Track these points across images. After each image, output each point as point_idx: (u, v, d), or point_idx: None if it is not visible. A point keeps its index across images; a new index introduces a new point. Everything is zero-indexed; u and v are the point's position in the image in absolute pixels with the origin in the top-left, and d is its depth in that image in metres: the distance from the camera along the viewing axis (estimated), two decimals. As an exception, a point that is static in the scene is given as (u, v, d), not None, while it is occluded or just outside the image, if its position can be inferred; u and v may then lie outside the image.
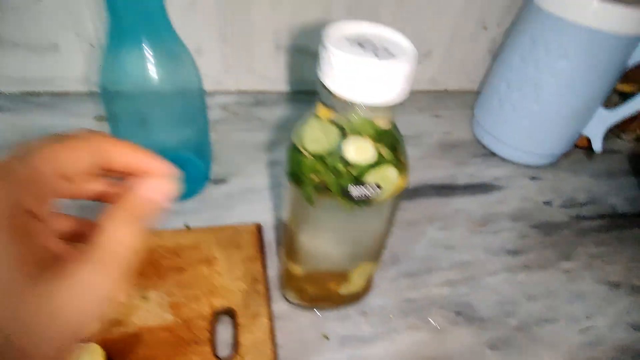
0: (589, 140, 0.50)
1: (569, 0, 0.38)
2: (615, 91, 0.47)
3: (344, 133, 0.21)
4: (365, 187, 0.22)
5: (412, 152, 0.52)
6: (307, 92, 0.57)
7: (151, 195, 0.16)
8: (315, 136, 0.22)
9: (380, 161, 0.22)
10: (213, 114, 0.50)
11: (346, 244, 0.27)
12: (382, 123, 0.21)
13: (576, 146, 0.53)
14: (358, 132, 0.21)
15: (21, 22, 0.43)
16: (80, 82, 0.49)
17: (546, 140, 0.46)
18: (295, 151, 0.23)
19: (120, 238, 0.15)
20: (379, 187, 0.22)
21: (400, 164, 0.23)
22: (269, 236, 0.37)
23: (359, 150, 0.21)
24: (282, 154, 0.45)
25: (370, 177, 0.22)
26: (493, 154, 0.51)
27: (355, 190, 0.22)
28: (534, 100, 0.43)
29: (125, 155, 0.16)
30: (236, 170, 0.43)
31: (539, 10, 0.41)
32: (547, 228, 0.43)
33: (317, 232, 0.26)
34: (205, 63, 0.51)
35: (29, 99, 0.47)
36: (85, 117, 0.47)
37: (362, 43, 0.20)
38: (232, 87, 0.54)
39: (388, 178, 0.22)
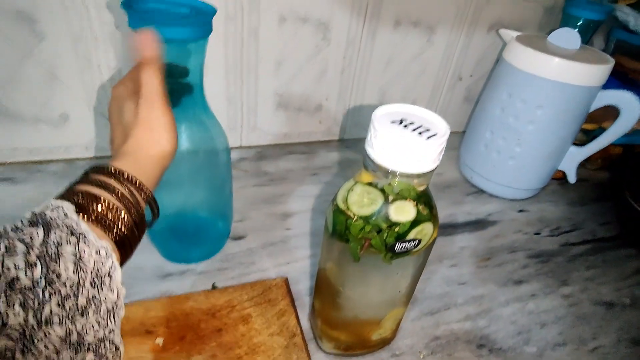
0: (562, 173, 0.56)
1: (536, 59, 0.44)
2: (581, 130, 0.54)
3: (386, 196, 0.24)
4: (408, 242, 0.25)
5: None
6: (303, 144, 0.60)
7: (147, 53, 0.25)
8: (361, 200, 0.25)
9: (419, 219, 0.25)
10: (221, 171, 0.52)
11: (384, 293, 0.29)
12: (420, 186, 0.25)
13: (552, 178, 0.59)
14: (401, 196, 0.24)
15: (34, 95, 0.44)
16: (89, 149, 0.50)
17: (529, 177, 0.52)
18: (341, 214, 0.26)
19: (147, 77, 0.25)
20: (419, 240, 0.25)
21: (434, 218, 0.26)
22: (294, 288, 0.38)
23: (402, 211, 0.24)
24: (291, 206, 0.48)
25: (412, 234, 0.25)
26: (482, 191, 0.56)
27: (399, 246, 0.25)
28: (516, 144, 0.49)
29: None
30: (253, 225, 0.45)
31: (512, 67, 0.47)
32: (542, 257, 0.47)
33: (359, 284, 0.28)
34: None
35: (39, 168, 0.48)
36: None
37: (404, 121, 0.23)
38: (236, 143, 0.57)
39: (426, 233, 0.25)
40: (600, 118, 0.56)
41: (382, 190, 0.25)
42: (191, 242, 0.40)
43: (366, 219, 0.25)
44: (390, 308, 0.31)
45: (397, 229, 0.25)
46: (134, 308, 0.33)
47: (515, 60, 0.47)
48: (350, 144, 0.62)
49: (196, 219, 0.40)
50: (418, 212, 0.25)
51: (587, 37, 0.57)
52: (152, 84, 0.25)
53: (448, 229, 0.49)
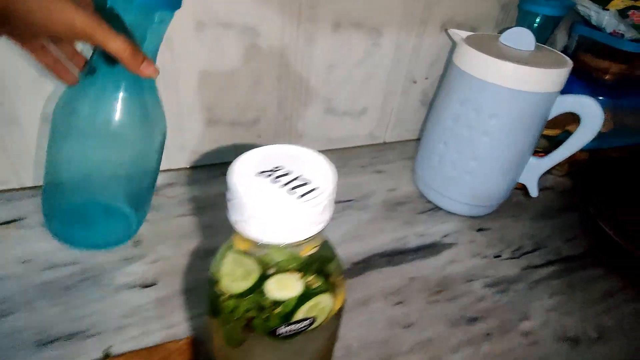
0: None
1: (486, 64, 0.39)
2: (543, 136, 0.49)
3: (264, 268, 0.19)
4: (297, 323, 0.19)
5: (359, 216, 0.51)
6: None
7: None
8: (234, 273, 0.19)
9: (309, 293, 0.19)
10: (140, 200, 0.46)
11: (288, 371, 0.24)
12: (308, 250, 0.19)
13: (515, 188, 0.54)
14: (280, 269, 0.18)
15: None
16: (-22, 184, 0.43)
17: (487, 193, 0.46)
18: (213, 288, 0.20)
19: None
20: (312, 319, 0.20)
21: (333, 285, 0.20)
22: (207, 347, 0.32)
23: (284, 287, 0.19)
24: (217, 240, 0.42)
25: (301, 313, 0.19)
26: (438, 208, 0.50)
27: (285, 329, 0.19)
28: (472, 157, 0.43)
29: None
30: (167, 268, 0.38)
31: (462, 72, 0.42)
32: (501, 284, 0.42)
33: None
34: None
35: None
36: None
37: (275, 172, 0.17)
38: (162, 166, 0.50)
39: (322, 307, 0.20)
40: (563, 122, 0.51)
41: (260, 260, 0.19)
42: (97, 227, 0.38)
43: (239, 296, 0.19)
44: (304, 382, 0.25)
45: (279, 310, 0.19)
46: (-8, 395, 0.27)
47: (465, 64, 0.41)
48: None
49: (111, 201, 0.38)
50: (306, 285, 0.19)
51: (547, 35, 0.52)
52: None
53: (396, 256, 0.43)
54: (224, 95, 0.48)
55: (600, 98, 0.50)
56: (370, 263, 0.42)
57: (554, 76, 0.39)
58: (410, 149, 0.61)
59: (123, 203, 0.39)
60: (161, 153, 0.37)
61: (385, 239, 0.45)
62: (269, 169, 0.18)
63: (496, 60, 0.39)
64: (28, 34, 0.28)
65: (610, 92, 0.53)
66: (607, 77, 0.53)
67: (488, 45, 0.42)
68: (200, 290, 0.37)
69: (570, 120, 0.49)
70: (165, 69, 0.43)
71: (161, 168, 0.50)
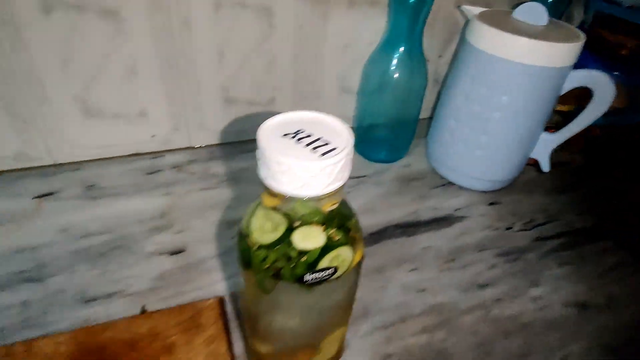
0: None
1: (499, 39, 0.40)
2: (556, 112, 0.50)
3: (290, 221, 0.21)
4: (321, 272, 0.21)
5: (374, 191, 0.53)
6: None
7: None
8: (264, 226, 0.21)
9: (331, 245, 0.21)
10: (166, 175, 0.48)
11: (310, 321, 0.26)
12: (329, 206, 0.21)
13: (528, 164, 0.54)
14: (305, 221, 0.20)
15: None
16: (16, 160, 0.46)
17: (499, 168, 0.47)
18: (244, 241, 0.22)
19: None
20: (335, 268, 0.21)
21: (353, 239, 0.22)
22: (233, 307, 0.35)
23: (308, 238, 0.20)
24: (240, 211, 0.44)
25: (324, 262, 0.21)
26: (451, 183, 0.52)
27: (309, 277, 0.21)
28: (483, 132, 0.44)
29: None
30: (194, 236, 0.41)
31: (474, 49, 0.42)
32: (512, 254, 0.43)
33: (278, 314, 0.25)
34: (151, 123, 0.49)
35: (-42, 184, 0.44)
36: (24, 196, 0.44)
37: (298, 134, 0.19)
38: (182, 144, 0.52)
39: (343, 259, 0.22)
40: (577, 97, 0.51)
41: (286, 215, 0.21)
42: (381, 150, 0.54)
43: (269, 247, 0.21)
44: (324, 333, 0.28)
45: (305, 258, 0.21)
46: (43, 343, 0.30)
47: (477, 40, 0.42)
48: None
49: (390, 134, 0.54)
50: (328, 237, 0.21)
51: (562, 10, 0.52)
52: None
53: (410, 228, 0.45)
54: (240, 74, 0.50)
55: (615, 74, 0.50)
56: (385, 234, 0.44)
57: (567, 50, 0.39)
58: (422, 128, 0.62)
59: (397, 136, 0.54)
60: (422, 100, 0.51)
61: (399, 212, 0.47)
62: (292, 132, 0.20)
63: (508, 34, 0.39)
64: None
65: (625, 67, 0.53)
66: (623, 52, 0.53)
67: (500, 20, 0.42)
68: (226, 256, 0.39)
69: (584, 97, 0.50)
70: (184, 49, 0.45)
71: (182, 146, 0.53)
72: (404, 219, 0.46)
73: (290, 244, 0.21)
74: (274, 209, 0.21)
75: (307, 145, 0.19)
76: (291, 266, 0.21)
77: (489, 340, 0.35)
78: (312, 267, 0.21)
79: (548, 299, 0.39)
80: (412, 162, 0.55)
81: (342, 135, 0.20)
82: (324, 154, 0.18)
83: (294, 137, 0.19)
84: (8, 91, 0.41)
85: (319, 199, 0.19)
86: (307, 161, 0.17)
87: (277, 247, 0.21)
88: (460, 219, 0.47)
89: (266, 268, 0.21)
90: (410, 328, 0.35)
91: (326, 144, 0.19)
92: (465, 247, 0.44)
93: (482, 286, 0.40)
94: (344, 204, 0.22)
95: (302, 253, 0.21)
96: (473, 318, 0.37)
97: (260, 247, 0.21)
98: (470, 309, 0.37)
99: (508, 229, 0.46)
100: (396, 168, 0.54)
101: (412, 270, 0.40)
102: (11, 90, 0.41)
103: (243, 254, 0.22)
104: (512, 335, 0.36)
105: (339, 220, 0.22)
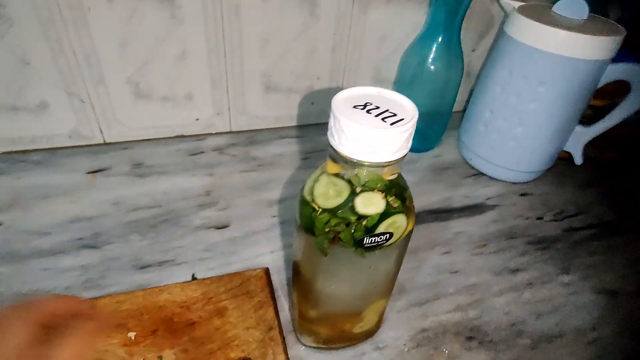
0: (569, 153, 0.53)
1: (539, 31, 0.41)
2: (589, 106, 0.50)
3: (353, 188, 0.22)
4: (378, 236, 0.23)
5: (407, 178, 0.54)
6: (296, 127, 0.58)
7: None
8: (327, 192, 0.23)
9: (389, 211, 0.23)
10: (209, 157, 0.51)
11: (360, 286, 0.28)
12: (389, 175, 0.23)
13: (558, 158, 0.55)
14: (367, 187, 0.22)
15: (9, 84, 0.43)
16: (71, 138, 0.49)
17: (531, 159, 0.48)
18: (307, 206, 0.24)
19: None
20: (390, 234, 0.23)
21: (407, 209, 0.24)
22: (277, 278, 0.37)
23: (370, 204, 0.22)
24: (278, 193, 0.46)
25: (382, 227, 0.23)
26: (482, 174, 0.53)
27: (367, 240, 0.23)
28: (518, 124, 0.45)
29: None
30: (238, 213, 0.43)
31: (513, 41, 0.43)
32: (542, 243, 0.44)
33: (331, 278, 0.27)
34: (196, 107, 0.52)
35: (21, 157, 0.47)
36: (78, 172, 0.47)
37: (367, 105, 0.21)
38: (224, 129, 0.55)
39: (398, 226, 0.23)
40: (611, 93, 0.51)
41: (349, 182, 0.23)
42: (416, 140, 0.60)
43: (332, 212, 0.23)
44: (369, 301, 0.29)
45: (365, 223, 0.23)
46: (106, 300, 0.32)
47: (516, 33, 0.43)
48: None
49: (425, 123, 0.51)
50: (387, 203, 0.23)
51: (600, 6, 0.52)
52: None
53: (443, 214, 0.46)
54: (281, 63, 0.52)
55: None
56: (419, 219, 0.45)
57: (606, 43, 0.40)
58: (454, 119, 0.63)
59: (429, 127, 0.55)
60: (457, 92, 0.52)
61: (432, 198, 0.48)
62: (361, 104, 0.22)
63: (548, 27, 0.40)
64: None
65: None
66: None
67: (540, 14, 0.43)
68: (268, 232, 0.42)
69: (618, 93, 0.50)
70: (232, 36, 0.47)
71: (224, 130, 0.55)
72: (436, 206, 0.47)
73: (352, 208, 0.22)
74: (337, 175, 0.23)
75: (377, 115, 0.20)
76: (351, 230, 0.23)
77: (521, 321, 0.36)
78: (370, 231, 0.23)
79: (579, 285, 0.40)
80: (442, 152, 0.56)
81: (406, 108, 0.21)
82: (392, 123, 0.20)
83: (363, 108, 0.21)
84: (69, 70, 0.44)
85: (384, 165, 0.21)
86: (381, 129, 0.19)
87: (340, 211, 0.23)
88: (491, 207, 0.48)
89: (327, 231, 0.23)
90: (445, 306, 0.37)
91: (394, 114, 0.21)
92: (496, 233, 0.45)
93: (514, 271, 0.41)
94: (400, 176, 0.24)
95: (361, 218, 0.23)
96: (505, 299, 0.38)
97: (324, 211, 0.23)
98: (502, 291, 0.39)
99: (539, 218, 0.47)
100: (428, 158, 0.55)
101: (445, 253, 0.42)
102: (72, 70, 0.44)
103: (306, 218, 0.24)
104: (543, 317, 0.37)
105: (397, 189, 0.23)
